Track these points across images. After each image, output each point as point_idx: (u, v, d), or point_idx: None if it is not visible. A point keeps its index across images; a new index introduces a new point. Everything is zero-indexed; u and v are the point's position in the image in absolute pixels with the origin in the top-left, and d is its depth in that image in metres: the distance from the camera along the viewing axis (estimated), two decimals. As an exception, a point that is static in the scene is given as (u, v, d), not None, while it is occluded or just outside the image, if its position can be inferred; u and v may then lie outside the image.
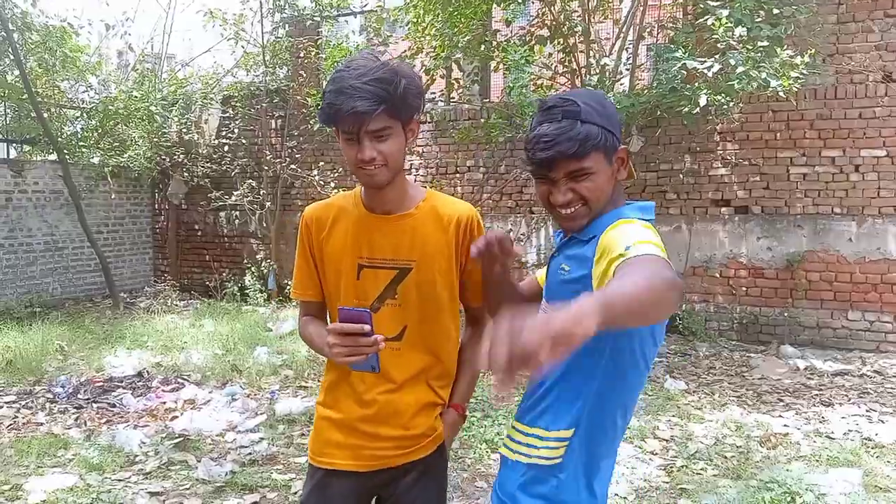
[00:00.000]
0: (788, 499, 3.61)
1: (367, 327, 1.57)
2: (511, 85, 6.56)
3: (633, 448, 4.37)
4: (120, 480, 3.96)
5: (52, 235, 9.53)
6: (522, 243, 8.34)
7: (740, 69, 5.58)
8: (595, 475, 1.64)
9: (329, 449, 1.86)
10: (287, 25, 9.83)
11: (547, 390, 1.63)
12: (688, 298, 7.47)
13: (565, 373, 1.58)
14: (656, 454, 4.30)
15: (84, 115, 10.27)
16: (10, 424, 4.86)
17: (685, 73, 5.96)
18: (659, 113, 6.76)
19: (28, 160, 9.84)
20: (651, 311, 1.25)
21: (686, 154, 7.47)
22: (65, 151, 9.21)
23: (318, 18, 9.69)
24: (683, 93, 6.03)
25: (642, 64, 8.12)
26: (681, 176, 7.46)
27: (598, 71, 6.94)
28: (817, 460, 4.14)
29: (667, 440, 4.51)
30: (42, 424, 4.87)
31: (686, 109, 6.01)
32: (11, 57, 8.84)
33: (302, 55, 9.56)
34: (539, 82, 7.51)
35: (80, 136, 10.08)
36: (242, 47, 10.11)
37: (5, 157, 9.75)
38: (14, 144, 10.60)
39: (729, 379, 5.94)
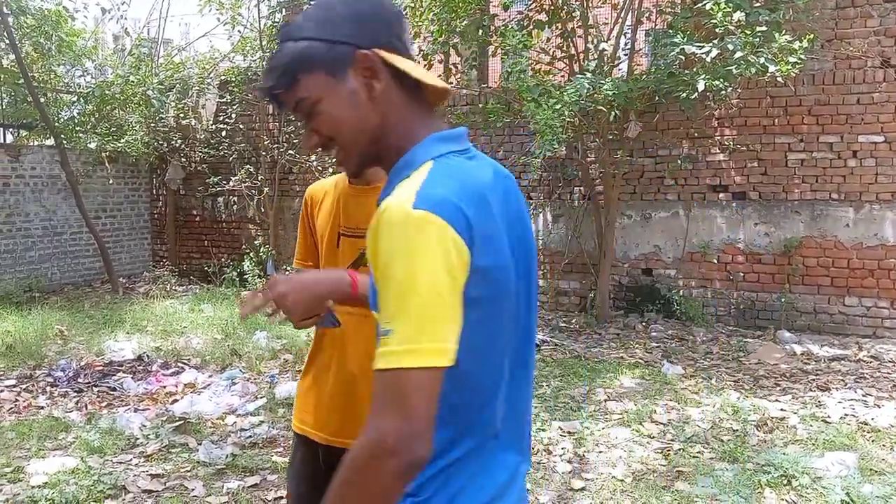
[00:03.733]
0: (784, 481, 3.65)
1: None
2: (509, 70, 6.54)
3: (630, 432, 4.41)
4: (121, 463, 3.98)
5: (50, 220, 9.51)
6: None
7: (738, 54, 5.57)
8: None
9: (301, 414, 2.00)
10: (284, 9, 9.77)
11: None
12: (685, 284, 7.50)
13: None
14: (653, 437, 4.34)
15: (81, 99, 10.22)
16: (11, 408, 4.88)
17: (683, 58, 5.96)
18: (657, 98, 6.75)
19: (25, 145, 9.81)
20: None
21: (684, 140, 7.48)
22: (62, 136, 9.18)
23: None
24: (681, 78, 6.03)
25: (640, 49, 8.10)
26: (678, 162, 7.46)
27: (596, 56, 6.93)
28: (813, 444, 4.17)
29: (664, 424, 4.54)
30: (43, 408, 4.90)
31: (684, 95, 6.01)
32: (7, 41, 8.79)
33: (299, 40, 9.49)
34: (537, 67, 7.49)
35: (76, 121, 10.04)
36: (239, 32, 10.07)
37: (2, 142, 9.72)
38: (11, 129, 10.57)
39: (726, 364, 5.97)
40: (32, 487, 3.64)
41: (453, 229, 1.03)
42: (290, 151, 9.38)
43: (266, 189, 9.48)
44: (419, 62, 7.57)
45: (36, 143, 10.34)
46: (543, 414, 4.70)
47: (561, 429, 4.45)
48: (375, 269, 1.05)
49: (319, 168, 9.11)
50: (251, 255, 9.40)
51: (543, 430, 4.44)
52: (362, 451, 1.00)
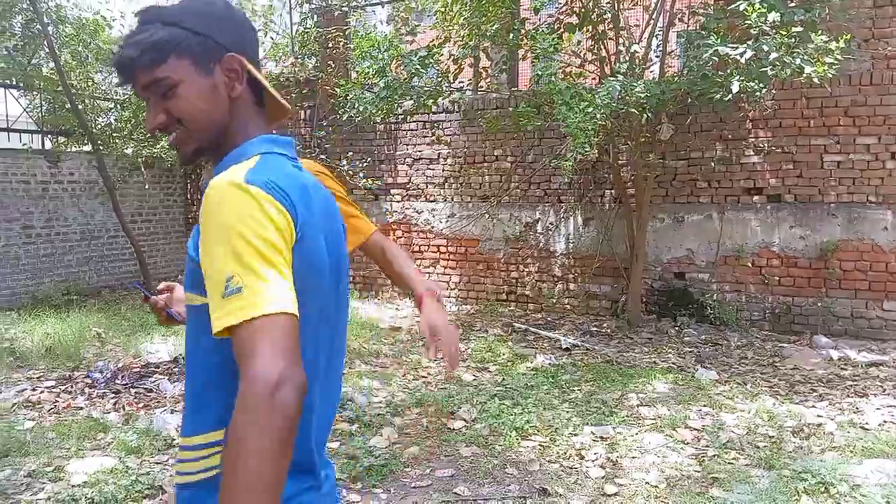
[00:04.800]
0: (822, 489, 3.59)
1: (144, 295, 1.78)
2: (539, 73, 6.53)
3: (663, 437, 4.37)
4: (158, 463, 4.05)
5: (88, 225, 9.71)
6: (551, 233, 8.32)
7: (774, 55, 5.49)
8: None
9: None
10: (315, 16, 9.87)
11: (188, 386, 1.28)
12: (719, 288, 7.41)
13: (190, 352, 1.27)
14: (687, 443, 4.29)
15: (117, 106, 10.43)
16: (52, 408, 4.99)
17: (717, 59, 5.89)
18: (690, 100, 6.69)
19: (63, 151, 10.01)
20: (270, 462, 0.99)
21: (717, 142, 7.39)
22: (99, 142, 9.36)
23: (346, 8, 9.72)
24: (715, 79, 5.96)
25: (673, 51, 8.03)
26: (712, 164, 7.38)
27: (627, 58, 6.88)
28: (851, 451, 4.10)
29: (698, 430, 4.49)
30: (81, 409, 5.00)
31: (718, 96, 5.95)
32: (46, 50, 8.99)
33: (330, 45, 9.60)
34: (568, 70, 7.47)
35: (113, 128, 10.24)
36: (271, 38, 10.19)
37: (41, 147, 9.93)
38: (50, 136, 10.79)
39: (761, 369, 5.89)
40: (73, 486, 3.72)
41: (280, 204, 1.12)
42: (322, 156, 9.46)
43: (298, 193, 9.55)
44: (450, 66, 7.59)
45: (74, 149, 10.54)
46: (576, 418, 4.68)
47: (593, 433, 4.43)
48: (205, 242, 1.11)
49: (351, 173, 9.17)
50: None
51: (576, 434, 4.42)
52: (255, 392, 1.01)
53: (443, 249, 9.06)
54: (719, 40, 5.77)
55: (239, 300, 1.05)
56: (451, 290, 8.99)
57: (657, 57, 7.36)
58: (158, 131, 1.29)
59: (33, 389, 5.38)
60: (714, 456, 4.09)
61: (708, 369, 5.77)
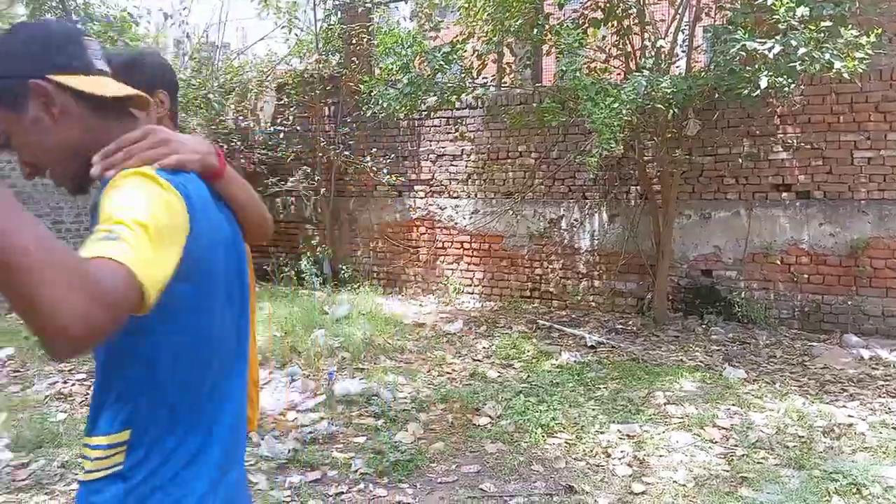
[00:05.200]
0: (854, 490, 3.55)
1: None
2: (564, 69, 6.49)
3: (691, 436, 4.34)
4: (187, 457, 4.09)
5: (115, 221, 9.82)
6: (575, 229, 8.28)
7: (802, 50, 5.42)
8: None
9: None
10: (339, 12, 9.90)
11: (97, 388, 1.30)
12: (747, 285, 7.33)
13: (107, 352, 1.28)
14: (716, 442, 4.26)
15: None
16: (83, 401, 5.08)
17: (744, 54, 5.82)
18: (717, 96, 6.62)
19: (92, 148, 10.15)
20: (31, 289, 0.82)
21: (745, 137, 7.31)
22: (126, 139, 9.47)
23: (370, 4, 9.73)
24: (742, 75, 5.90)
25: (699, 45, 7.94)
26: (739, 160, 7.30)
27: (653, 53, 6.83)
28: (884, 452, 4.04)
29: (726, 429, 4.45)
30: (112, 402, 5.06)
31: (745, 92, 5.88)
32: (76, 47, 9.11)
33: (354, 42, 9.62)
34: (593, 66, 7.42)
35: (140, 124, 10.33)
36: (296, 35, 10.23)
37: (70, 145, 10.11)
38: (78, 133, 10.98)
39: (790, 368, 5.82)
40: (104, 479, 3.77)
41: (185, 203, 1.15)
42: (346, 152, 9.50)
43: (322, 190, 9.60)
44: (474, 62, 7.57)
45: (102, 145, 10.69)
46: (602, 416, 4.66)
47: (619, 431, 4.41)
48: (103, 210, 1.09)
49: (374, 169, 9.20)
50: (308, 254, 9.55)
51: (602, 432, 4.41)
52: (81, 280, 0.86)
53: (466, 246, 9.06)
54: (747, 35, 5.69)
55: (110, 244, 0.96)
56: (475, 286, 8.99)
57: (683, 52, 7.30)
58: (38, 176, 1.31)
59: (65, 382, 5.47)
60: (743, 455, 4.06)
61: (736, 368, 5.71)
